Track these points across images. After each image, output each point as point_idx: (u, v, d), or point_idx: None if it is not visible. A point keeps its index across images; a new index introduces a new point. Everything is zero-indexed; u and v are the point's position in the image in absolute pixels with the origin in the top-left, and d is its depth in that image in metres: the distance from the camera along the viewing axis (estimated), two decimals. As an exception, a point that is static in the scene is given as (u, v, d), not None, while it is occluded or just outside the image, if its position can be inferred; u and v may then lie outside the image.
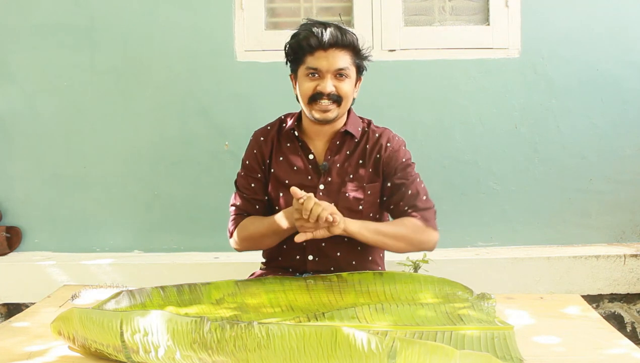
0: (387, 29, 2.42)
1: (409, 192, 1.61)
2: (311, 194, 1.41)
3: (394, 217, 1.66)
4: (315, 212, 1.38)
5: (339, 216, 1.44)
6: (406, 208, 1.61)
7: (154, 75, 2.43)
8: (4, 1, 2.41)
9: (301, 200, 1.40)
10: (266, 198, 1.68)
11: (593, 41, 2.41)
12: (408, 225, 1.57)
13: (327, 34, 1.51)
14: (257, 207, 1.67)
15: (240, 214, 1.67)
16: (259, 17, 2.43)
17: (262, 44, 2.41)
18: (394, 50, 2.43)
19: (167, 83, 2.43)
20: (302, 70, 1.57)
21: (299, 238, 1.44)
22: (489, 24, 2.43)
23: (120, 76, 2.43)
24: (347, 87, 1.56)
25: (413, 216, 1.59)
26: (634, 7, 2.41)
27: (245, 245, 1.66)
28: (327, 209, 1.41)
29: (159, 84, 2.43)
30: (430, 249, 1.63)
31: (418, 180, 1.65)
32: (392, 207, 1.64)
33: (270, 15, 2.48)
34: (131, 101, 2.44)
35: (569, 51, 2.41)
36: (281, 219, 1.55)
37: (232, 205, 1.70)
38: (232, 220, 1.68)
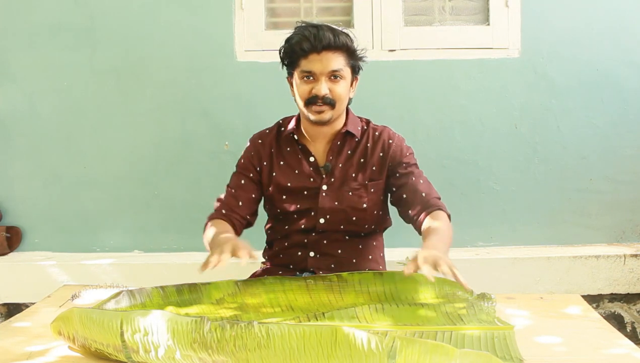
0: (387, 29, 2.42)
1: (421, 181, 1.60)
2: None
3: (405, 208, 1.60)
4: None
5: None
6: (430, 201, 1.56)
7: (154, 75, 2.42)
8: (4, 1, 2.41)
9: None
10: (253, 196, 1.65)
11: (593, 41, 2.41)
12: (448, 225, 1.52)
13: (319, 37, 1.51)
14: (240, 203, 1.63)
15: (219, 210, 1.63)
16: (259, 17, 2.43)
17: (262, 44, 2.41)
18: (394, 50, 2.43)
19: (167, 83, 2.43)
20: (297, 74, 1.58)
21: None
22: (489, 24, 2.43)
23: (120, 76, 2.43)
24: (341, 88, 1.56)
25: (440, 210, 1.55)
26: (634, 7, 2.41)
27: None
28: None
29: (159, 84, 2.43)
30: None
31: (423, 173, 1.65)
32: (405, 196, 1.59)
33: (270, 15, 2.47)
34: (131, 101, 2.44)
35: (569, 51, 2.41)
36: (212, 242, 1.46)
37: (216, 200, 1.67)
38: (210, 214, 1.64)
